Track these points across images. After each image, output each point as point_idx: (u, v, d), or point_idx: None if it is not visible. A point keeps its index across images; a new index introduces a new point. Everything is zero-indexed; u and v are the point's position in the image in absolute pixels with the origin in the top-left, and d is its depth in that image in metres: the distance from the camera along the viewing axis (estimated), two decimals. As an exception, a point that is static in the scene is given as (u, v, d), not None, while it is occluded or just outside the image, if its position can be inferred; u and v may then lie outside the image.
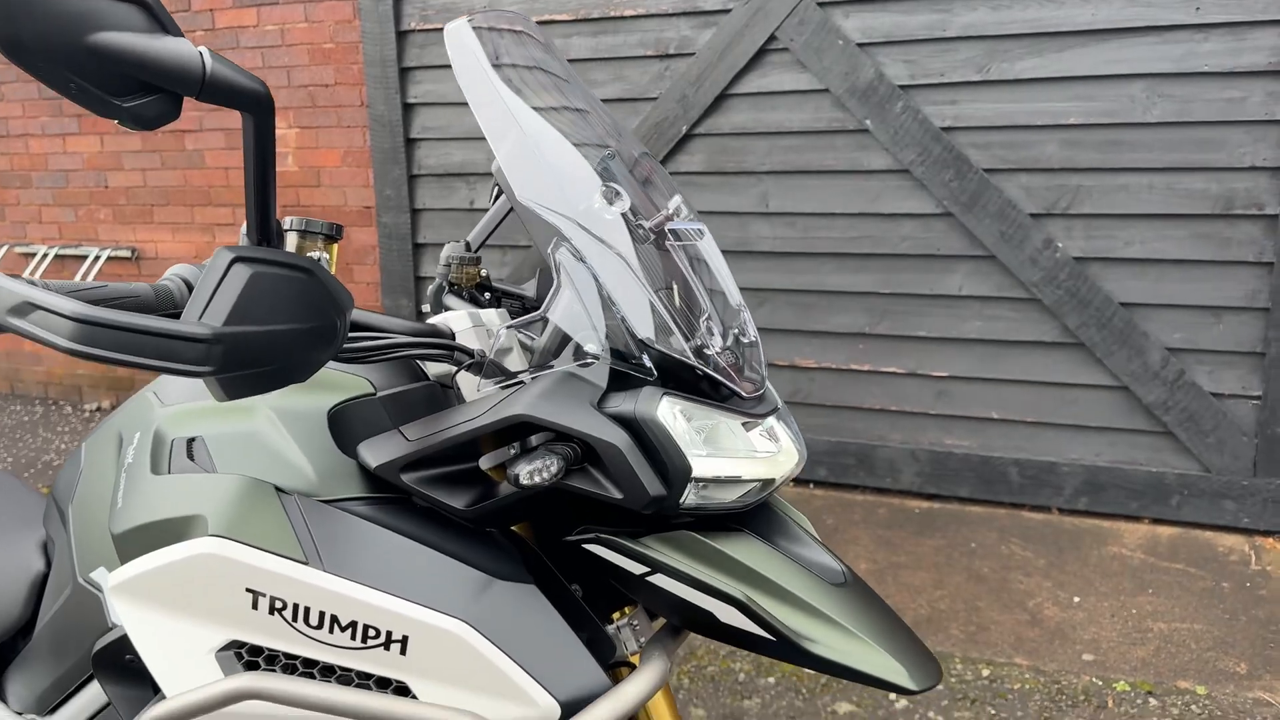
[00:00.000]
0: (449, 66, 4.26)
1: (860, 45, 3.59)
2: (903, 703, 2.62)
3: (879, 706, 2.61)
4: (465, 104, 4.27)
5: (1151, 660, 2.77)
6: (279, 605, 0.93)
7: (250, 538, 0.94)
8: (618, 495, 0.95)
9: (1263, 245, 3.26)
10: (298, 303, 0.85)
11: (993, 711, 2.57)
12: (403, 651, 0.93)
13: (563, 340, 1.01)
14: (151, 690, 1.07)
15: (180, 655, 0.96)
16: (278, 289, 0.83)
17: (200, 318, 0.78)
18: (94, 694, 1.22)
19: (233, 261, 0.81)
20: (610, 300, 0.99)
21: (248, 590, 0.93)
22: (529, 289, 1.51)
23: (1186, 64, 3.25)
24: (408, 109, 4.37)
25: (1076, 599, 3.09)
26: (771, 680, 2.74)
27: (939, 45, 3.51)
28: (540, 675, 0.93)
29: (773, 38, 3.69)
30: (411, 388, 1.15)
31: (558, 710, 0.93)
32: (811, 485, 3.94)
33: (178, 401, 1.17)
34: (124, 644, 1.05)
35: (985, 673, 2.75)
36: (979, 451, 3.73)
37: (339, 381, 1.13)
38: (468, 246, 1.49)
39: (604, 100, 3.91)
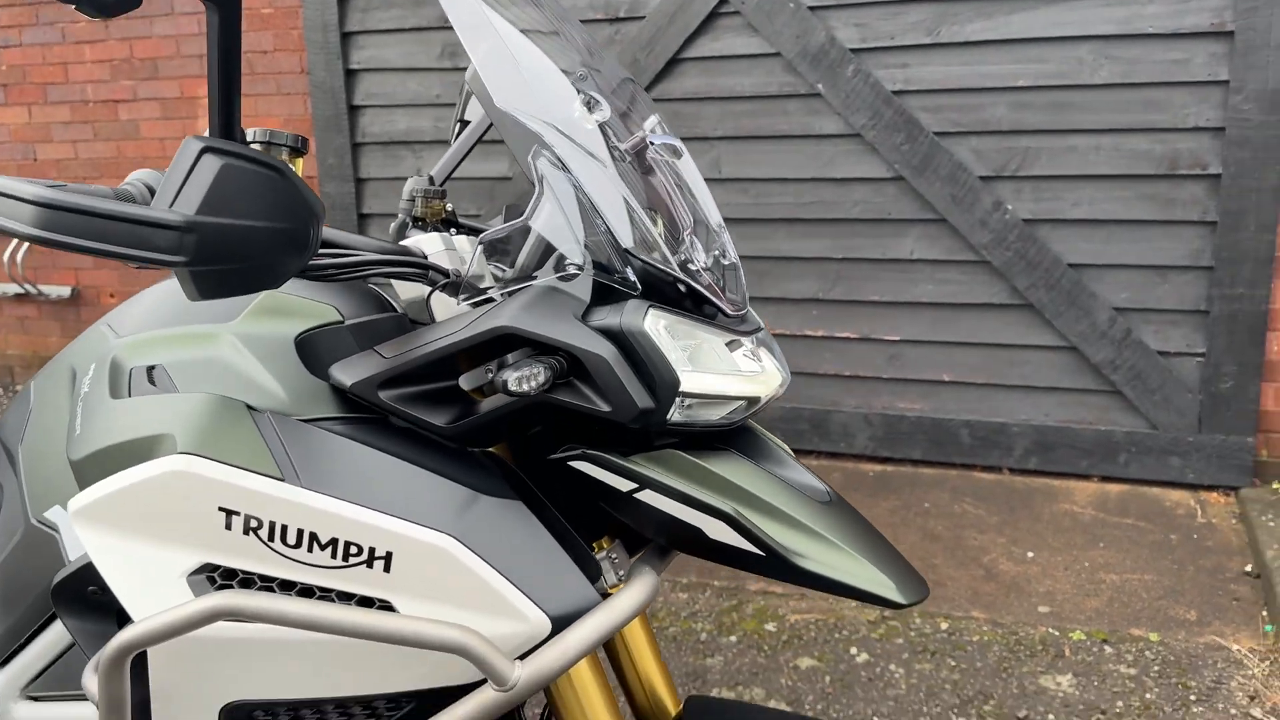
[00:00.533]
0: (394, 31, 4.18)
1: (811, 9, 3.58)
2: (864, 656, 2.63)
3: (840, 660, 2.62)
4: (410, 70, 4.20)
5: (1105, 610, 2.81)
6: (254, 524, 0.89)
7: (222, 454, 0.89)
8: (605, 408, 0.92)
9: (1206, 205, 3.32)
10: (269, 201, 0.81)
11: (953, 663, 2.59)
12: (386, 569, 0.89)
13: (543, 253, 0.98)
14: (116, 624, 1.02)
15: (149, 581, 0.91)
16: (249, 184, 0.79)
17: (171, 205, 0.74)
18: (51, 639, 1.16)
19: (202, 151, 0.77)
20: (594, 209, 0.96)
21: (220, 509, 0.89)
22: (496, 226, 1.47)
23: (1132, 25, 3.29)
24: (350, 75, 4.28)
25: (1030, 554, 3.13)
26: (734, 639, 2.73)
27: (889, 8, 3.52)
28: (529, 590, 0.90)
29: (724, 0, 3.67)
30: (380, 317, 1.11)
31: (548, 625, 0.90)
32: (766, 451, 3.94)
33: (133, 332, 1.12)
34: (86, 575, 0.99)
35: (944, 626, 2.77)
36: (931, 414, 3.76)
37: (305, 309, 1.09)
38: (431, 181, 1.44)
39: (553, 65, 3.85)
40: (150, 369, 1.04)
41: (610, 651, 1.23)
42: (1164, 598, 2.86)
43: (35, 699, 1.23)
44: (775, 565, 0.97)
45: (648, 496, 0.97)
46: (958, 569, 3.06)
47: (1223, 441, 3.40)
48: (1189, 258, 3.37)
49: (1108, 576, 2.98)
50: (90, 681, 0.93)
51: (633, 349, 0.93)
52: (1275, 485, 3.36)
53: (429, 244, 1.16)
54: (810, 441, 3.89)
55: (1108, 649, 2.63)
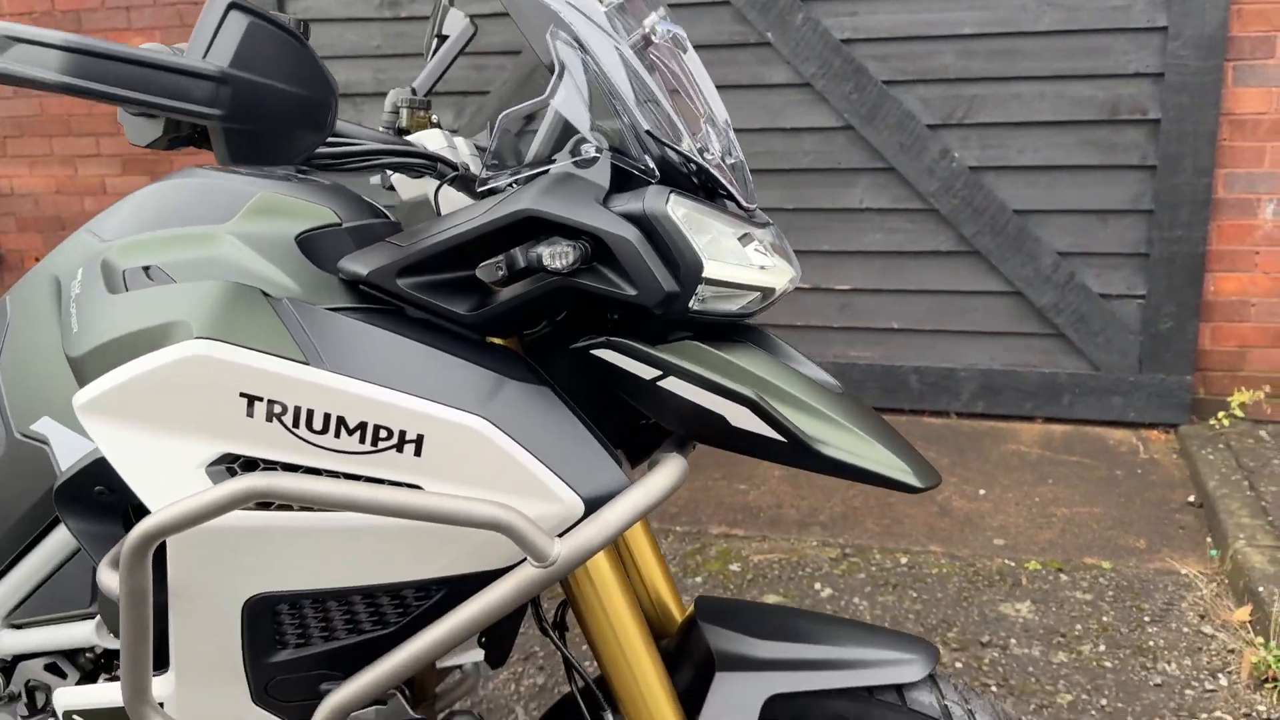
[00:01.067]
0: (333, -20, 4.07)
1: (759, -44, 3.58)
2: (828, 591, 2.67)
3: (805, 595, 2.65)
4: (349, 20, 4.10)
5: (1058, 541, 2.89)
6: (277, 410, 0.86)
7: (241, 339, 0.86)
8: (631, 292, 0.91)
9: (1146, 149, 3.40)
10: (292, 67, 0.79)
11: (915, 594, 2.65)
12: (417, 453, 0.87)
13: (559, 138, 0.96)
14: (123, 525, 0.98)
15: (166, 473, 0.88)
16: (274, 46, 0.77)
17: (204, 58, 0.71)
18: (35, 564, 1.12)
19: (229, 7, 0.74)
20: (612, 92, 0.94)
21: (241, 395, 0.86)
22: (482, 140, 1.45)
23: (1074, -27, 3.34)
24: (288, 27, 4.16)
25: (982, 491, 3.20)
26: (699, 580, 2.75)
27: (837, -44, 3.53)
28: (562, 472, 0.89)
29: (672, -52, 3.65)
30: (378, 222, 1.08)
31: (581, 506, 0.89)
32: (718, 403, 3.96)
33: (121, 236, 1.08)
34: (91, 474, 0.96)
35: (904, 560, 2.82)
36: (881, 361, 3.81)
37: (302, 209, 1.06)
38: (413, 92, 1.41)
39: (486, 16, 3.80)
40: (146, 269, 1.00)
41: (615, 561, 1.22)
42: (1113, 528, 2.95)
43: (17, 627, 1.19)
44: (796, 452, 0.97)
45: (671, 384, 0.97)
46: (913, 507, 3.12)
47: (1162, 381, 3.51)
48: (1129, 202, 3.45)
49: (1058, 510, 3.06)
50: (108, 577, 0.90)
51: (656, 234, 0.92)
52: (1212, 422, 3.48)
53: (431, 140, 1.14)
54: (762, 391, 3.91)
55: (1063, 577, 2.71)
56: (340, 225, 1.05)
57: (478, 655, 1.22)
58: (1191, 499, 3.08)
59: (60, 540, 1.12)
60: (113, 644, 1.09)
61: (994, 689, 2.24)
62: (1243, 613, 2.45)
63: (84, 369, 0.94)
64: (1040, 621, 2.52)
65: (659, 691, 1.06)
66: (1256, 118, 3.30)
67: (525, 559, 0.87)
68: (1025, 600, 2.62)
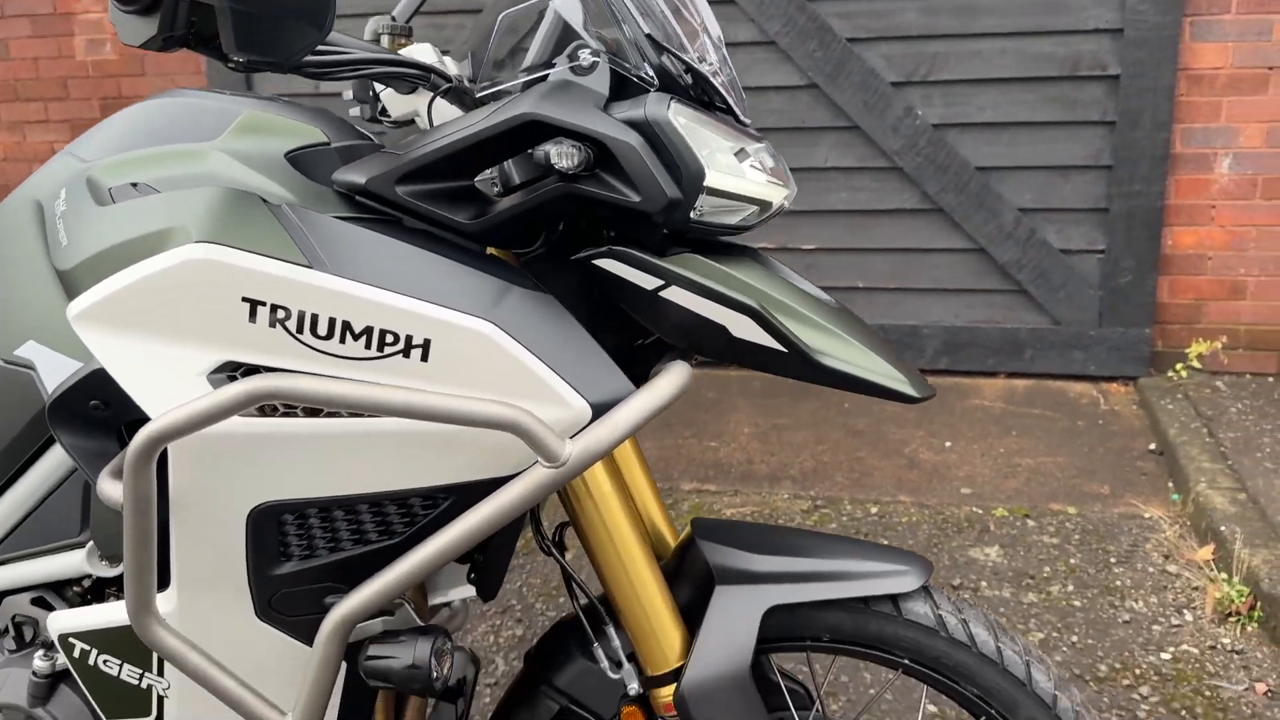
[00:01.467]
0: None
1: (723, -87, 3.57)
2: (803, 541, 2.69)
3: (780, 546, 2.67)
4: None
5: (1024, 489, 2.94)
6: (281, 315, 0.85)
7: (243, 242, 0.85)
8: (635, 198, 0.91)
9: (1105, 105, 3.44)
10: None
11: (886, 541, 2.68)
12: (424, 358, 0.86)
13: (558, 44, 0.95)
14: (118, 443, 0.96)
15: (166, 381, 0.86)
16: None
17: None
18: (31, 484, 1.10)
19: None
20: None
21: (243, 300, 0.85)
22: (465, 69, 1.43)
23: (1035, -71, 3.37)
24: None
25: (948, 444, 3.24)
26: (673, 532, 2.76)
27: (800, -87, 3.53)
28: (569, 377, 0.88)
29: (634, -95, 3.62)
30: (365, 144, 1.07)
31: (589, 412, 0.89)
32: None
33: (104, 155, 1.05)
34: (86, 388, 0.93)
35: (874, 510, 2.85)
36: (846, 320, 3.83)
37: (290, 127, 1.04)
38: (394, 20, 1.39)
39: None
40: (134, 185, 0.98)
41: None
42: (1077, 476, 3.00)
43: (3, 562, 1.17)
44: (797, 363, 0.98)
45: (673, 294, 0.96)
46: (881, 459, 3.15)
47: (1122, 334, 3.57)
48: (1089, 157, 3.50)
49: (1023, 460, 3.11)
50: (110, 488, 0.88)
51: (657, 140, 0.91)
52: (1170, 374, 3.55)
53: (421, 54, 1.13)
54: (729, 352, 3.92)
55: (1030, 523, 2.76)
56: (329, 145, 1.04)
57: (468, 591, 1.22)
58: (1152, 447, 3.15)
59: (47, 469, 1.09)
60: (105, 571, 1.07)
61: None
62: (1205, 552, 2.51)
63: (76, 280, 0.92)
64: (1009, 565, 2.56)
65: (661, 605, 1.06)
66: (1213, 72, 3.35)
67: (535, 463, 0.87)
68: (994, 545, 2.66)
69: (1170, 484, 2.92)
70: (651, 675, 1.06)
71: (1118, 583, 2.46)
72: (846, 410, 3.52)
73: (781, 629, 1.12)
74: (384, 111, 1.22)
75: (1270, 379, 3.50)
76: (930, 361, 3.77)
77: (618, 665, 1.10)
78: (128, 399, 0.90)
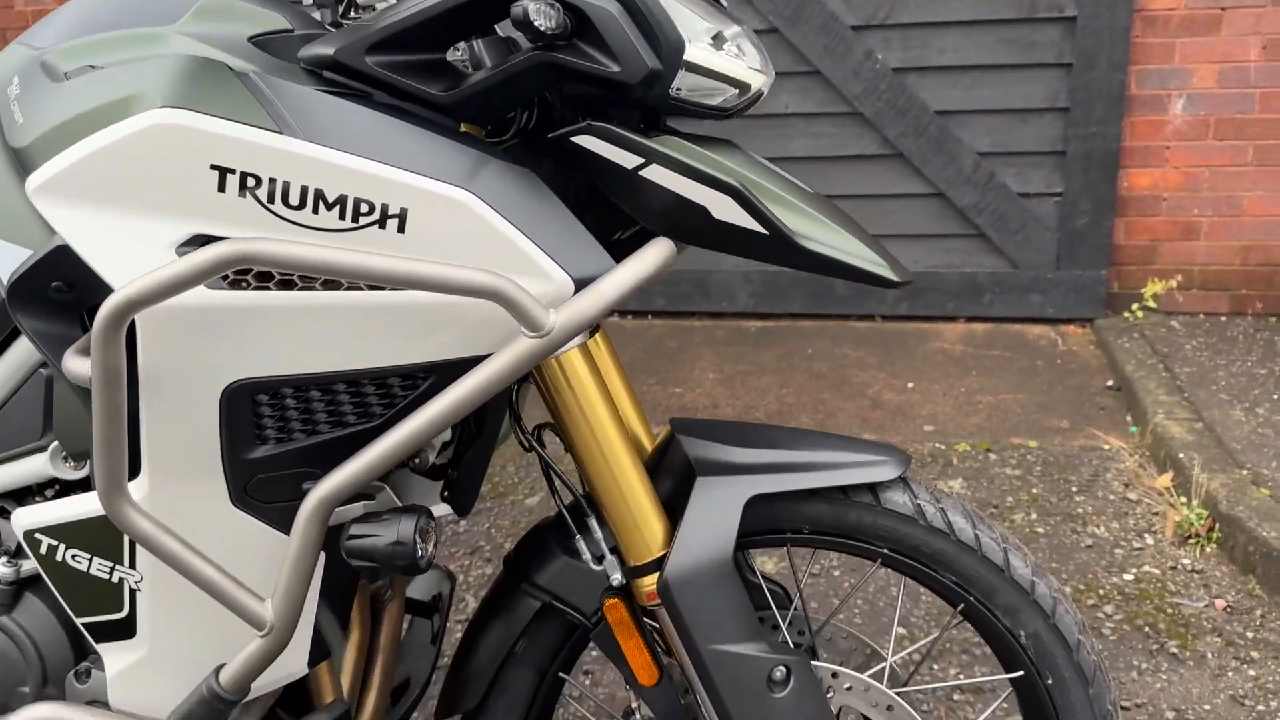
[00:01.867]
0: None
1: None
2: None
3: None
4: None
5: (985, 425, 2.97)
6: (251, 183, 0.82)
7: (210, 107, 0.82)
8: (614, 68, 0.89)
9: (1062, 47, 3.46)
10: None
11: (853, 477, 2.69)
12: (400, 229, 0.84)
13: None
14: (81, 328, 0.93)
15: (134, 255, 0.83)
16: None
17: None
18: None
19: None
20: None
21: (212, 168, 0.82)
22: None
23: None
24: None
25: (910, 385, 3.26)
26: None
27: None
28: (551, 251, 0.87)
29: None
30: (326, 33, 1.04)
31: (571, 286, 0.87)
32: (650, 316, 3.96)
33: (59, 42, 1.01)
34: (47, 267, 0.90)
35: (840, 448, 2.87)
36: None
37: (252, 13, 1.01)
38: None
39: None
40: (92, 67, 0.94)
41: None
42: (1037, 412, 3.04)
43: None
44: (779, 246, 0.97)
45: (653, 173, 0.95)
46: (845, 401, 3.17)
47: (1079, 276, 3.61)
48: (1047, 100, 3.52)
49: (983, 399, 3.14)
50: (76, 364, 0.85)
51: (636, 10, 0.90)
52: (1126, 315, 3.60)
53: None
54: (692, 302, 3.92)
55: (992, 456, 2.79)
56: (293, 32, 1.01)
57: (442, 509, 1.20)
58: (1110, 383, 3.19)
59: (7, 371, 1.06)
60: (71, 474, 1.04)
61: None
62: (1165, 479, 2.56)
63: (33, 156, 0.88)
64: (973, 495, 2.59)
65: (642, 495, 1.05)
66: (1167, 13, 3.38)
67: (519, 335, 0.85)
68: (958, 478, 2.69)
69: (1128, 417, 2.96)
70: (634, 565, 1.05)
71: (1079, 510, 2.50)
72: (810, 355, 3.53)
73: (762, 522, 1.12)
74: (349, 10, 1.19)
75: (1223, 318, 3.56)
76: (890, 307, 3.79)
77: (599, 559, 1.10)
78: (92, 280, 0.86)
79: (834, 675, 1.12)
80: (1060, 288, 3.63)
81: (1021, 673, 1.15)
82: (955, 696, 1.88)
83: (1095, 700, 1.14)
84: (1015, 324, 3.71)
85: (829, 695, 1.12)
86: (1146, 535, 2.38)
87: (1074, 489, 2.60)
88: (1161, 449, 2.65)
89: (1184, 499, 2.44)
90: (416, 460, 1.15)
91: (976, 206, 3.63)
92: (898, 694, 1.12)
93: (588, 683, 1.96)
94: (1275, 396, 2.88)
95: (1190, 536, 2.34)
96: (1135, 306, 3.59)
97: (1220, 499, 2.32)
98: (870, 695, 1.11)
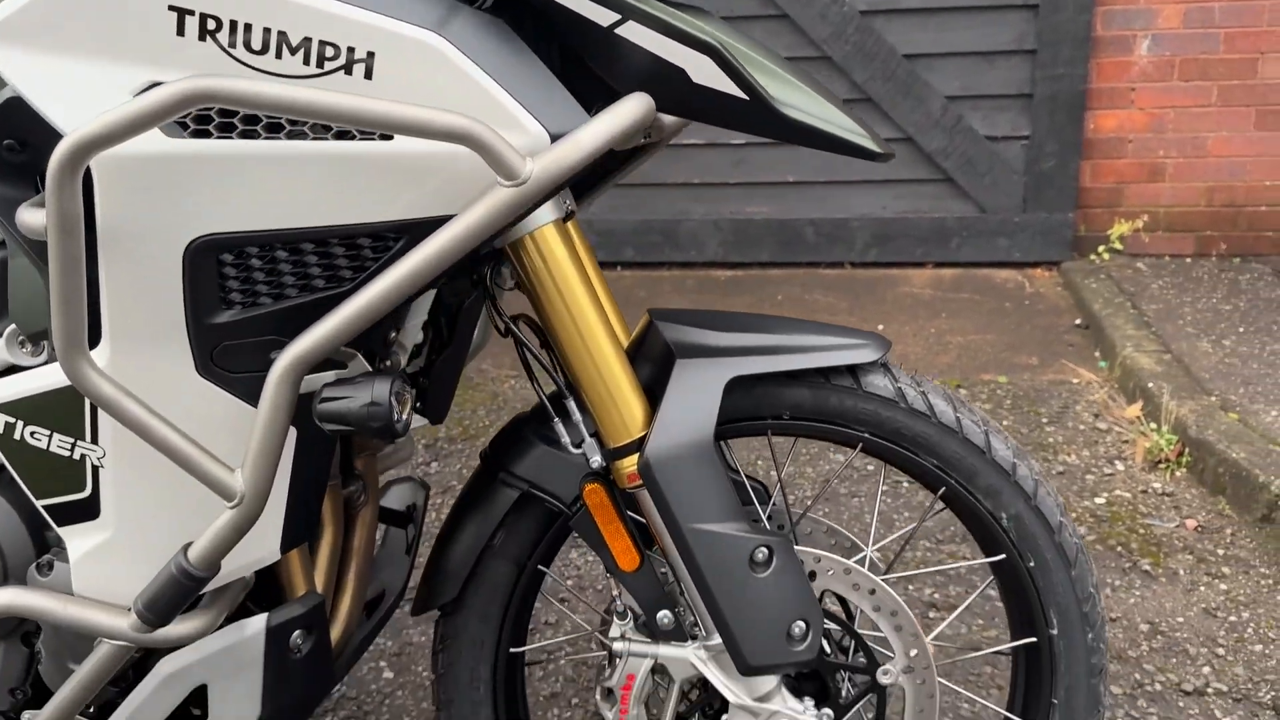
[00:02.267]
0: None
1: None
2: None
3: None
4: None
5: (955, 364, 2.98)
6: (211, 25, 0.79)
7: None
8: None
9: (1029, -12, 3.46)
10: None
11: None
12: (368, 74, 0.81)
13: None
14: (34, 189, 0.89)
15: (89, 103, 0.79)
16: None
17: None
18: None
19: None
20: None
21: (171, 9, 0.78)
22: None
23: None
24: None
25: (880, 327, 3.26)
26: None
27: None
28: (526, 102, 0.84)
29: None
30: None
31: (547, 138, 0.84)
32: (619, 267, 3.93)
33: None
34: None
35: (812, 387, 2.86)
36: (777, 216, 3.82)
37: None
38: None
39: None
40: None
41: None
42: (1006, 350, 3.05)
43: None
44: (759, 113, 0.95)
45: (630, 30, 0.92)
46: (817, 343, 3.16)
47: (1045, 219, 3.62)
48: (1014, 42, 3.51)
49: (953, 339, 3.15)
50: (30, 214, 0.81)
51: None
52: (1093, 256, 3.62)
53: None
54: (662, 252, 3.89)
55: (963, 392, 2.79)
56: None
57: (418, 420, 1.18)
58: (1078, 322, 3.21)
59: None
60: (27, 359, 1.00)
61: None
62: (1134, 409, 2.57)
63: None
64: (946, 429, 2.59)
65: (622, 376, 1.03)
66: (1133, -47, 3.38)
67: (493, 186, 0.82)
68: (930, 413, 2.69)
69: (1097, 353, 2.98)
70: (614, 447, 1.03)
71: (1050, 440, 2.51)
72: (779, 303, 3.52)
73: (742, 409, 1.10)
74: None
75: (1188, 259, 3.59)
76: (860, 254, 3.79)
77: (579, 444, 1.07)
78: (46, 138, 0.82)
79: (817, 560, 1.10)
80: (1027, 231, 3.64)
81: (1003, 556, 1.14)
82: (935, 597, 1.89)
83: (1077, 582, 1.14)
84: (983, 268, 3.72)
85: (811, 581, 1.10)
86: (1117, 462, 2.39)
87: (1044, 420, 2.61)
88: (1131, 380, 2.67)
89: (1154, 426, 2.46)
90: (389, 363, 1.12)
91: (945, 151, 3.63)
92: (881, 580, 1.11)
93: (570, 583, 1.95)
94: (1241, 330, 2.91)
95: (1160, 461, 2.35)
96: (1101, 249, 3.61)
97: (1190, 424, 2.34)
98: (852, 578, 1.10)
